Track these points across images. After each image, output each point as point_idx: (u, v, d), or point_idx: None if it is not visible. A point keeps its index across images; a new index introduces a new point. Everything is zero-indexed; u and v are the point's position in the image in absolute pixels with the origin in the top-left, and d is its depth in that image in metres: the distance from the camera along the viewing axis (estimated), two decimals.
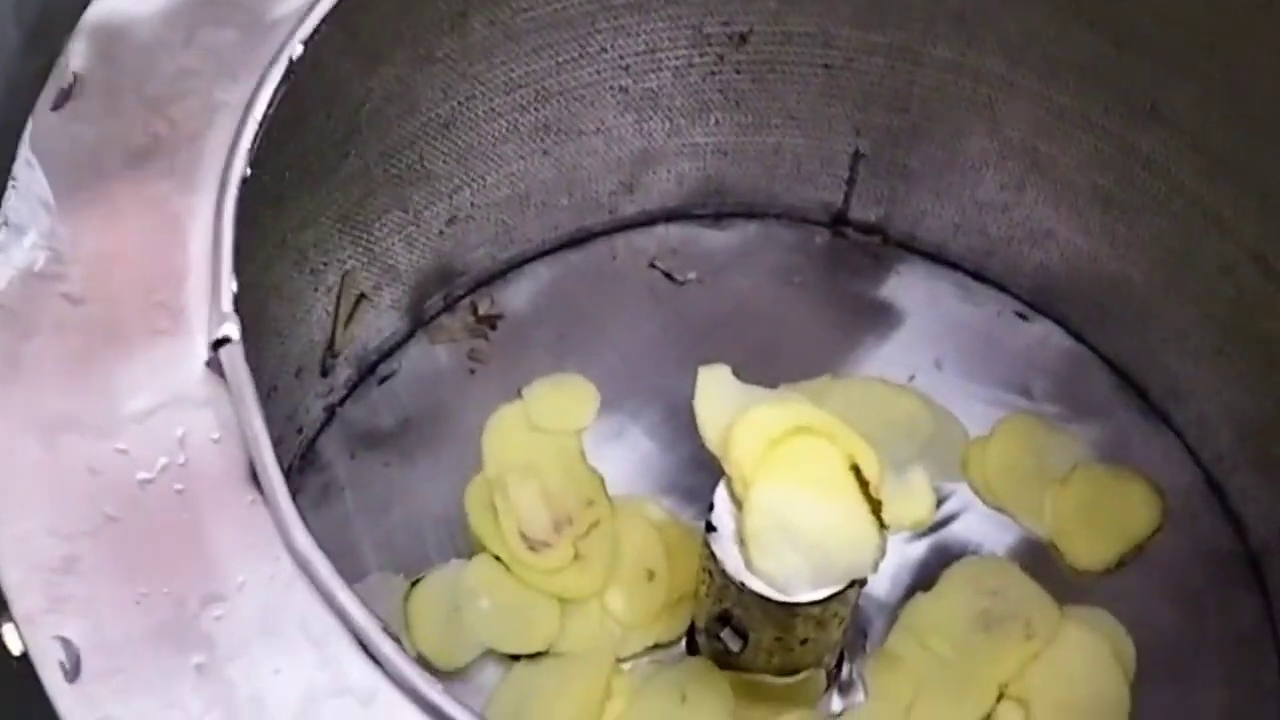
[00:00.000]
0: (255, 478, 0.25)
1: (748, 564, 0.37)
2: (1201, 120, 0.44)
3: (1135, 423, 0.52)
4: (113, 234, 0.28)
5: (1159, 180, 0.46)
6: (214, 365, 0.26)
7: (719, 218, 0.56)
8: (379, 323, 0.50)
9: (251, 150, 0.29)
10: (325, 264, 0.46)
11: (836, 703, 0.44)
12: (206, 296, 0.27)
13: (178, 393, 0.26)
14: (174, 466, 0.26)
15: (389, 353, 0.52)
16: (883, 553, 0.37)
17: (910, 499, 0.41)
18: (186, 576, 0.25)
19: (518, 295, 0.54)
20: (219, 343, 0.26)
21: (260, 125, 0.29)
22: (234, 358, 0.26)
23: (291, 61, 0.30)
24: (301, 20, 0.31)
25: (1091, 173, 0.48)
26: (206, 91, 0.30)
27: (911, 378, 0.52)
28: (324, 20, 0.32)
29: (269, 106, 0.30)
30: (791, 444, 0.39)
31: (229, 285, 0.27)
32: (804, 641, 0.39)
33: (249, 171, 0.29)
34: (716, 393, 0.42)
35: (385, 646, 0.24)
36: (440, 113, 0.45)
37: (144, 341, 0.27)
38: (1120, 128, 0.46)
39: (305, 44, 0.31)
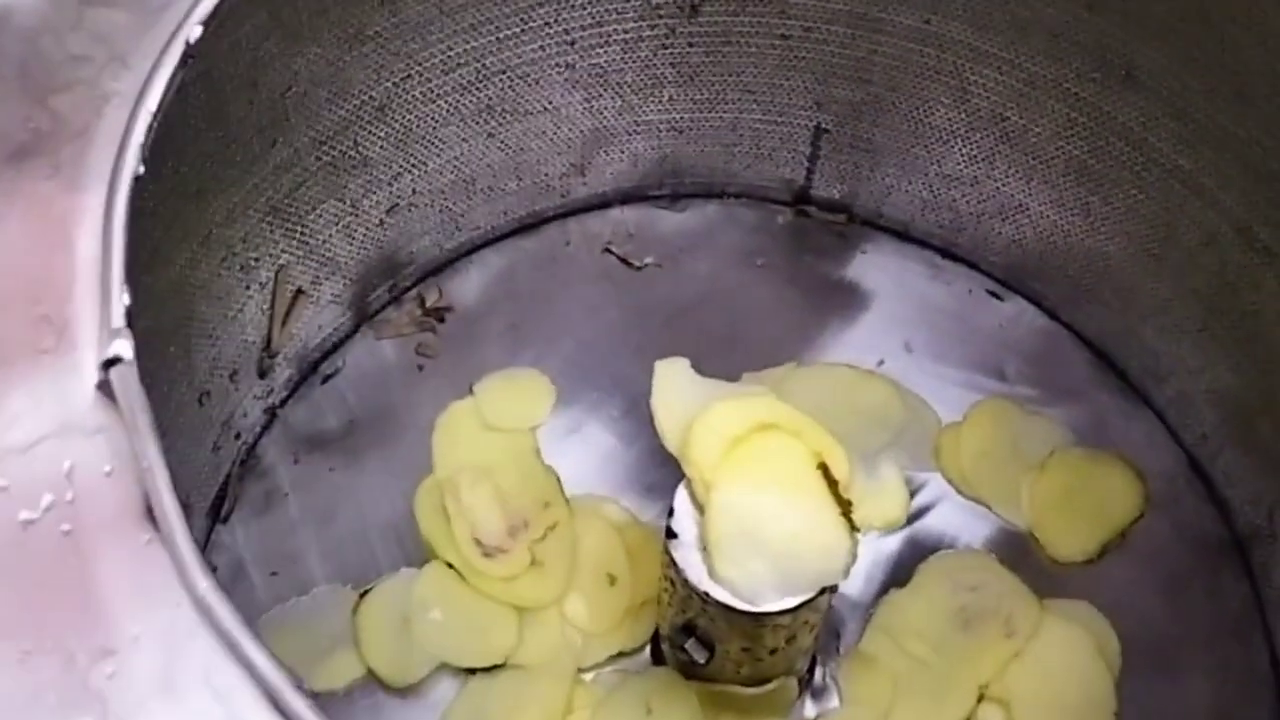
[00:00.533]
0: (151, 514, 0.23)
1: (711, 572, 0.35)
2: (1180, 85, 0.41)
3: (1114, 404, 0.50)
4: None
5: (1136, 150, 0.44)
6: (105, 388, 0.24)
7: (676, 198, 0.53)
8: (320, 319, 0.48)
9: (145, 145, 0.26)
10: (256, 259, 0.43)
11: (810, 709, 0.42)
12: (96, 310, 0.24)
13: (65, 420, 0.23)
14: (60, 504, 0.23)
15: (332, 350, 0.49)
16: (854, 558, 0.35)
17: (882, 497, 0.39)
18: (75, 629, 0.22)
19: (467, 285, 0.51)
20: (110, 362, 0.24)
21: (154, 116, 0.26)
22: (127, 379, 0.23)
23: (189, 45, 0.27)
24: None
25: (1064, 143, 0.46)
26: (95, 80, 0.27)
27: (881, 362, 0.50)
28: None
29: (165, 95, 0.27)
30: (754, 442, 0.36)
31: (121, 297, 0.24)
32: (773, 651, 0.37)
33: (143, 169, 0.26)
34: (675, 388, 0.39)
35: (297, 703, 0.22)
36: (374, 95, 0.43)
37: (26, 362, 0.24)
38: (1094, 95, 0.44)
39: (205, 24, 0.28)
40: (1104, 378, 0.50)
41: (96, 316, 0.24)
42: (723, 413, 0.37)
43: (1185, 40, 0.40)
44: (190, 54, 0.27)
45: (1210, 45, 0.39)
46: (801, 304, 0.51)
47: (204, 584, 0.22)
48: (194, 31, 0.27)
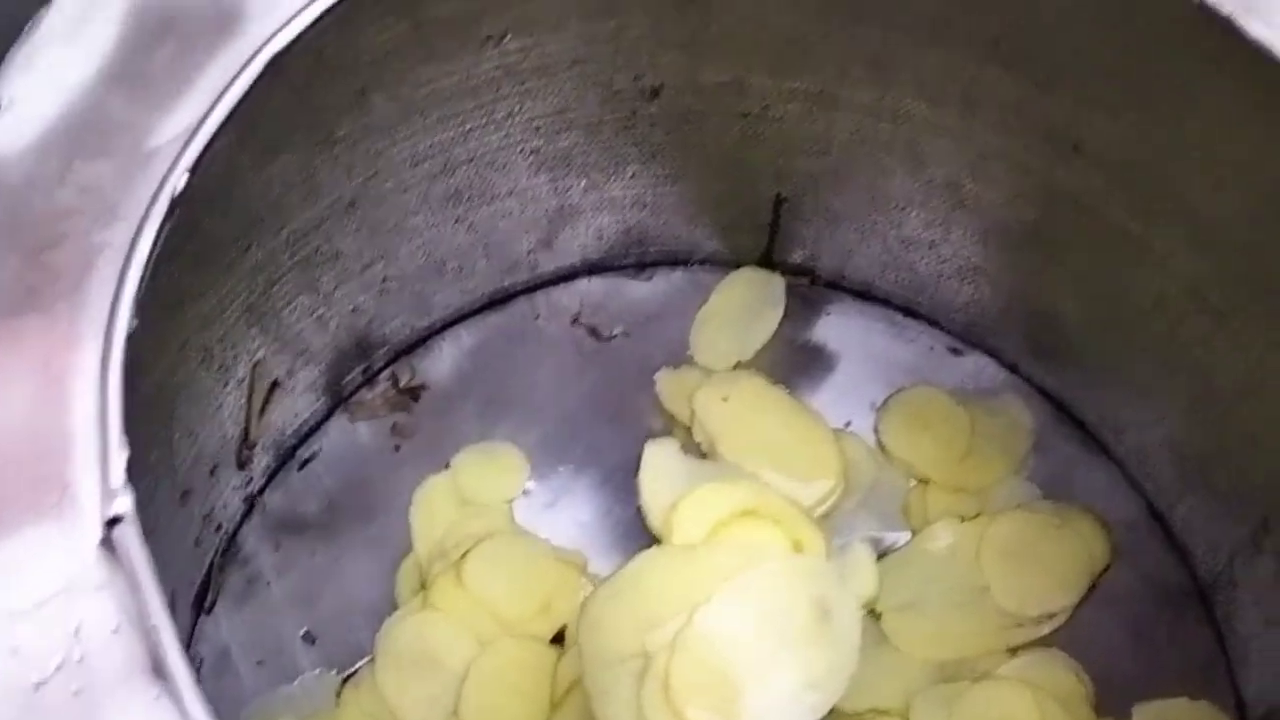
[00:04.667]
0: (159, 668, 0.23)
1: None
2: (1127, 157, 0.43)
3: (1076, 455, 0.51)
4: None
5: (1085, 216, 0.45)
6: (108, 544, 0.24)
7: (642, 267, 0.54)
8: (295, 406, 0.48)
9: (137, 297, 0.27)
10: (235, 357, 0.43)
11: None
12: (96, 467, 0.25)
13: (71, 579, 0.24)
14: (70, 664, 0.23)
15: (308, 435, 0.50)
16: None
17: (854, 575, 0.40)
18: None
19: (440, 363, 0.52)
20: (112, 521, 0.24)
21: (145, 269, 0.27)
22: (128, 537, 0.24)
23: (175, 195, 0.28)
24: (186, 145, 0.29)
25: (1017, 210, 0.47)
26: (86, 233, 0.27)
27: (848, 423, 0.51)
28: (212, 139, 0.30)
29: (154, 246, 0.27)
30: (734, 529, 0.37)
31: (119, 456, 0.25)
32: None
33: (136, 322, 0.26)
34: (663, 470, 0.40)
35: None
36: (344, 193, 0.43)
37: (29, 523, 0.25)
38: (1045, 165, 0.45)
39: (192, 172, 0.29)
40: (1065, 430, 0.52)
41: (96, 473, 0.25)
42: (705, 496, 0.38)
43: (1130, 116, 0.41)
44: (178, 203, 0.28)
45: (1154, 121, 0.41)
46: (769, 368, 0.52)
47: None
48: (180, 181, 0.28)
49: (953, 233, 0.49)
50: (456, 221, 0.48)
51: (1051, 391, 0.52)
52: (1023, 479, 0.49)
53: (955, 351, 0.53)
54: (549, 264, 0.52)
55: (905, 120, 0.46)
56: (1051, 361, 0.51)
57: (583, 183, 0.49)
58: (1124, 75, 0.40)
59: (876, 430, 0.51)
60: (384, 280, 0.48)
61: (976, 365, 0.53)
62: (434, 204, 0.46)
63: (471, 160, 0.46)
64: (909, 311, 0.53)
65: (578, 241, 0.52)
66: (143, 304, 0.27)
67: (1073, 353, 0.50)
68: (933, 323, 0.53)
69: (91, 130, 0.29)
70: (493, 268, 0.51)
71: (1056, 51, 0.41)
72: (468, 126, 0.45)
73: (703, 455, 0.48)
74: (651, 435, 0.49)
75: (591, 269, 0.53)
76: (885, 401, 0.52)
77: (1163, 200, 0.43)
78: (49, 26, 0.30)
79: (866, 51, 0.44)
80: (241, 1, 0.31)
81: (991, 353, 0.53)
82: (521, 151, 0.47)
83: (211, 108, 0.30)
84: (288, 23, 0.31)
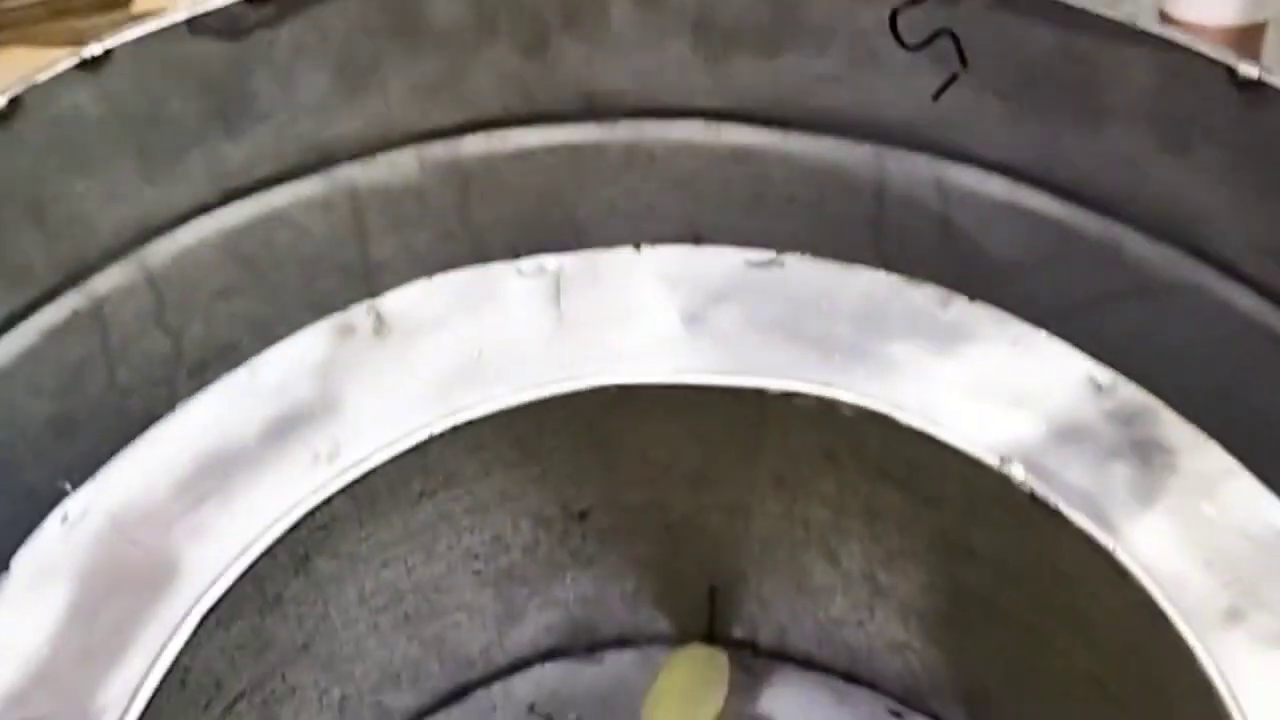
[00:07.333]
0: None
1: None
2: (1020, 565, 0.46)
3: None
4: None
5: (990, 608, 0.48)
6: None
7: (593, 650, 0.57)
8: None
9: None
10: None
11: None
12: None
13: None
14: None
15: None
16: None
17: None
18: None
19: None
20: None
21: None
22: None
23: None
24: (128, 706, 0.33)
25: (929, 599, 0.50)
26: None
27: None
28: (159, 688, 0.33)
29: None
30: None
31: None
32: None
33: None
34: None
35: None
36: (297, 639, 0.47)
37: None
38: (946, 565, 0.48)
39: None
40: None
41: None
42: None
43: (1013, 533, 0.45)
44: None
45: (1034, 540, 0.44)
46: None
47: None
48: None
49: (876, 615, 0.52)
50: (409, 639, 0.51)
51: None
52: None
53: (897, 715, 0.55)
54: (502, 658, 0.55)
55: (815, 526, 0.50)
56: None
57: (525, 590, 0.53)
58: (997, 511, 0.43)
59: None
60: (342, 699, 0.51)
61: None
62: (385, 630, 0.50)
63: (416, 590, 0.50)
64: (849, 677, 0.56)
65: (528, 636, 0.55)
66: None
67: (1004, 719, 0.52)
68: (873, 687, 0.56)
69: (42, 696, 0.33)
70: (447, 670, 0.54)
71: (936, 484, 0.45)
72: (410, 563, 0.49)
73: None
74: None
75: (544, 656, 0.56)
76: None
77: (1056, 602, 0.46)
78: (4, 595, 0.34)
79: (770, 475, 0.48)
80: (181, 554, 0.35)
81: (933, 715, 0.55)
82: (465, 574, 0.50)
83: (153, 663, 0.33)
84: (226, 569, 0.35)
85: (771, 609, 0.54)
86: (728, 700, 0.56)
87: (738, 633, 0.56)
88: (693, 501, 0.50)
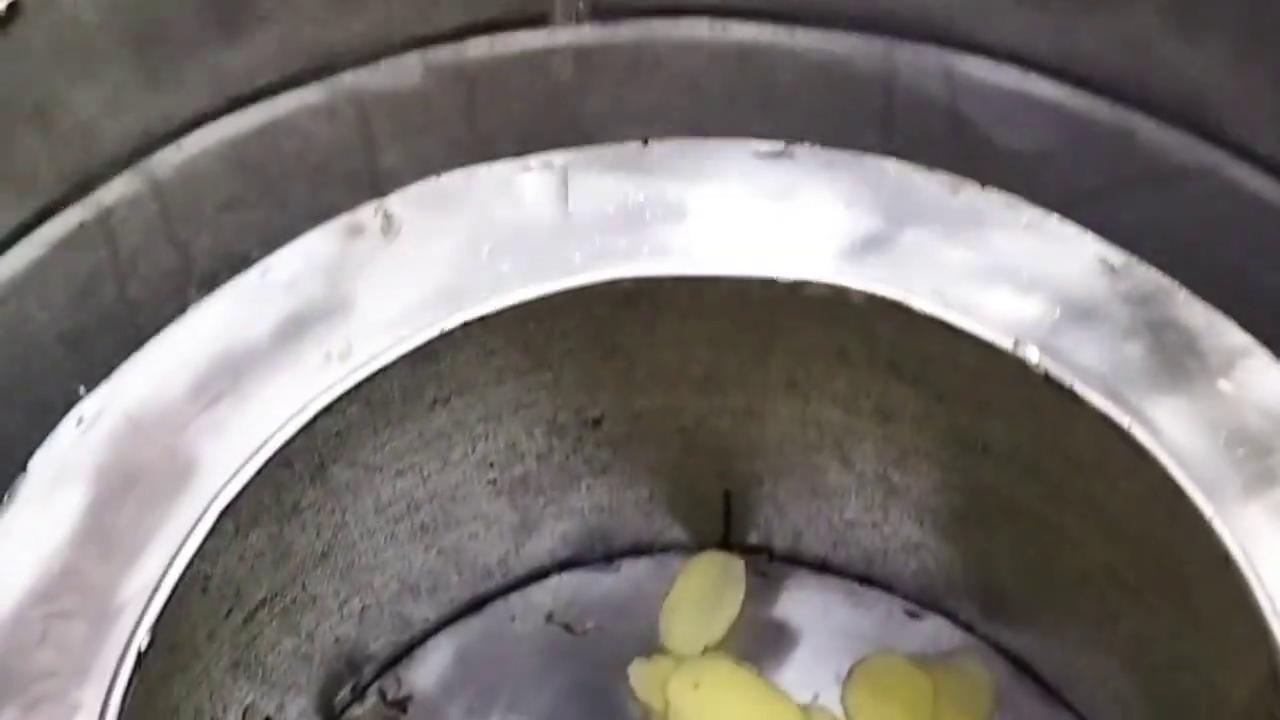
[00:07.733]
0: None
1: None
2: (1034, 456, 0.46)
3: (1037, 710, 0.53)
4: None
5: (1004, 503, 0.49)
6: None
7: (610, 559, 0.57)
8: None
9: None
10: (225, 708, 0.47)
11: None
12: None
13: None
14: None
15: None
16: None
17: None
18: None
19: (424, 672, 0.55)
20: None
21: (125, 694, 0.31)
22: None
23: (141, 653, 0.32)
24: (149, 602, 0.33)
25: (945, 497, 0.50)
26: (63, 694, 0.31)
27: (816, 696, 0.54)
28: (178, 585, 0.34)
29: (125, 698, 0.31)
30: None
31: None
32: None
33: None
34: None
35: None
36: (316, 547, 0.47)
37: None
38: (959, 462, 0.48)
39: (153, 632, 0.33)
40: (1023, 685, 0.54)
41: None
42: None
43: (1027, 422, 0.45)
44: (142, 658, 0.32)
45: (1048, 427, 0.44)
46: (735, 648, 0.55)
47: None
48: (143, 640, 0.32)
49: (890, 516, 0.53)
50: (426, 549, 0.52)
51: (1009, 649, 0.54)
52: None
53: (913, 615, 0.56)
54: (519, 568, 0.56)
55: (828, 427, 0.50)
56: (1003, 623, 0.54)
57: (541, 500, 0.53)
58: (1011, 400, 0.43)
59: (843, 701, 0.54)
60: (363, 610, 0.51)
61: (935, 628, 0.55)
62: (402, 539, 0.50)
63: (433, 498, 0.50)
64: (864, 580, 0.56)
65: (544, 546, 0.55)
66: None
67: (1020, 616, 0.53)
68: (888, 588, 0.56)
69: (65, 592, 0.33)
70: (465, 581, 0.54)
71: (949, 377, 0.45)
72: (426, 472, 0.49)
73: None
74: None
75: (561, 566, 0.57)
76: (849, 672, 0.54)
77: (1072, 492, 0.46)
78: (23, 495, 0.34)
79: (782, 377, 0.48)
80: (197, 453, 0.35)
81: (948, 614, 0.55)
82: (480, 483, 0.51)
83: (172, 560, 0.34)
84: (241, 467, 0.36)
85: (786, 513, 0.55)
86: (744, 605, 0.56)
87: (753, 538, 0.57)
88: (705, 406, 0.50)
